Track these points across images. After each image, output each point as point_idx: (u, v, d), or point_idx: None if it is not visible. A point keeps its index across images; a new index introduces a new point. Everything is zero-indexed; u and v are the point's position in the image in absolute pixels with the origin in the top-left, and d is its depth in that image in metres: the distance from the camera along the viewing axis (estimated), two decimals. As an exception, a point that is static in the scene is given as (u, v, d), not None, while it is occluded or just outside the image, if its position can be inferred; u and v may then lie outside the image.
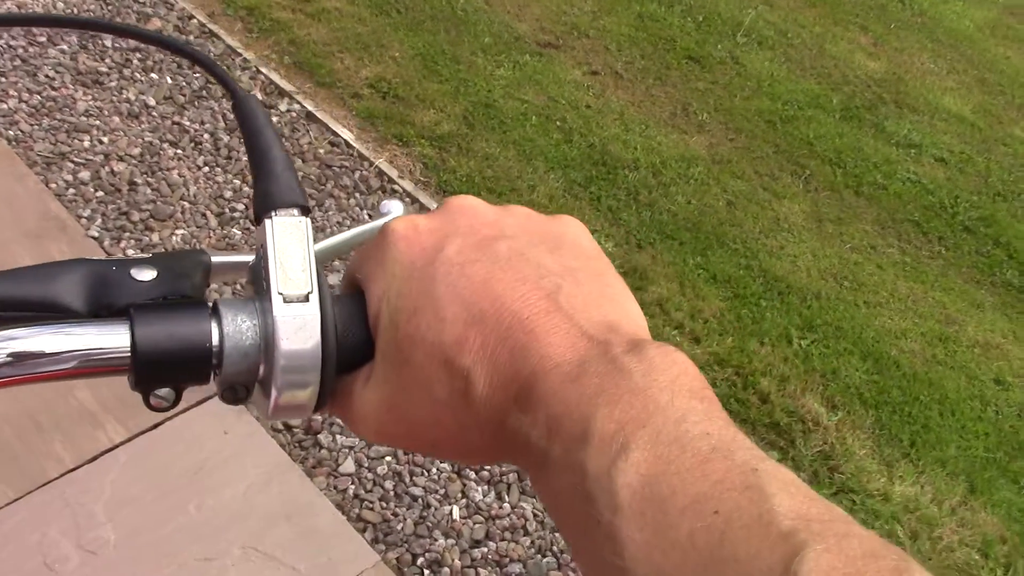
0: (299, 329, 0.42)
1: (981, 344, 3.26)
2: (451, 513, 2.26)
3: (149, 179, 2.92)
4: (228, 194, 2.94)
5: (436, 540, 2.20)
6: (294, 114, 3.38)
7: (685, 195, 3.54)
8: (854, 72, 4.77)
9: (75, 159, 2.90)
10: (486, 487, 2.33)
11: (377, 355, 0.43)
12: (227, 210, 2.89)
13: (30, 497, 2.03)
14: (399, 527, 2.20)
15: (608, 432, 0.35)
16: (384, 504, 2.24)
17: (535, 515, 2.30)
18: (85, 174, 2.86)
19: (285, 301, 0.42)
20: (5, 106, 3.01)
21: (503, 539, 2.24)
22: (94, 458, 2.12)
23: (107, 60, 3.33)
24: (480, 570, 2.17)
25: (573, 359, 0.38)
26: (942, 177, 4.14)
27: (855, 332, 3.12)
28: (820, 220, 3.65)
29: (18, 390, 0.42)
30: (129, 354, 0.41)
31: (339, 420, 0.48)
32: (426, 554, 2.17)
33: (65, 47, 3.31)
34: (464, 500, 2.30)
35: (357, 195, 3.12)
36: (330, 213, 3.02)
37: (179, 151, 3.06)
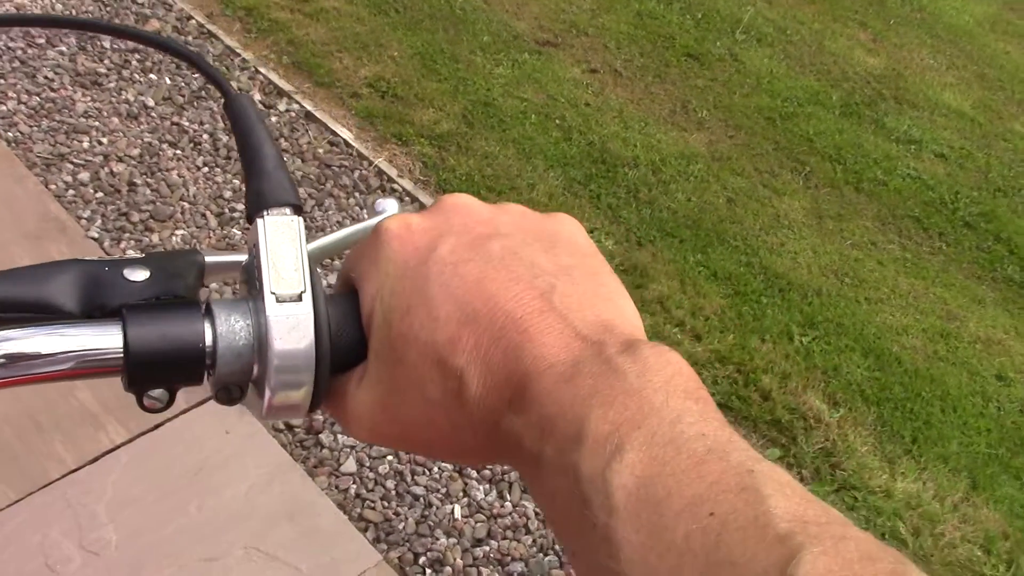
0: (292, 329, 0.42)
1: (982, 340, 3.26)
2: (453, 512, 2.26)
3: (149, 180, 2.92)
4: (228, 194, 2.94)
5: (438, 539, 2.20)
6: (293, 114, 3.38)
7: (685, 192, 3.54)
8: (853, 68, 4.76)
9: (74, 160, 2.90)
10: (488, 486, 2.33)
11: (370, 354, 0.43)
12: (227, 210, 2.89)
13: (31, 498, 2.03)
14: (401, 526, 2.20)
15: (602, 433, 0.35)
16: (386, 503, 2.24)
17: (537, 514, 2.30)
18: (85, 175, 2.86)
19: (278, 301, 0.42)
20: (4, 108, 3.01)
21: (505, 538, 2.24)
22: (95, 459, 2.12)
23: (106, 61, 3.33)
24: (482, 569, 2.17)
25: (567, 359, 0.38)
26: (942, 173, 4.13)
27: (856, 329, 3.12)
28: (820, 217, 3.65)
29: (18, 391, 0.42)
30: (122, 355, 0.41)
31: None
32: (428, 553, 2.17)
33: (64, 48, 3.31)
34: (466, 499, 2.29)
35: (357, 194, 3.11)
36: (330, 212, 3.02)
37: (178, 152, 3.06)
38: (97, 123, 3.07)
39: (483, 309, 0.40)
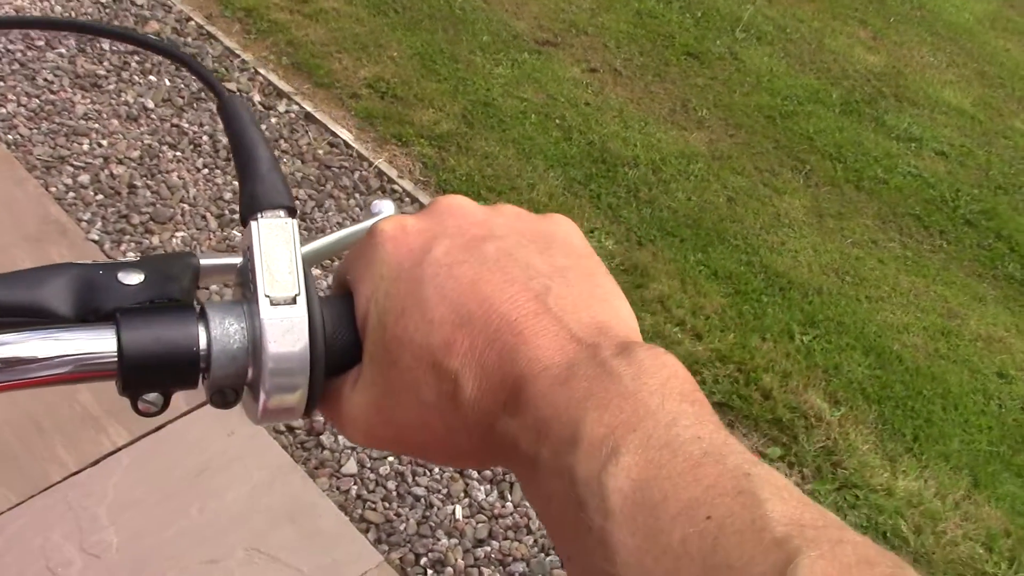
0: (286, 332, 0.42)
1: (984, 338, 3.26)
2: (454, 513, 2.26)
3: (149, 182, 2.92)
4: (228, 196, 2.94)
5: (439, 540, 2.20)
6: (293, 115, 3.38)
7: (685, 192, 3.54)
8: (853, 66, 4.76)
9: (74, 162, 2.90)
10: (488, 486, 2.33)
11: (365, 357, 0.43)
12: (227, 212, 2.89)
13: (33, 501, 2.03)
14: (402, 527, 2.20)
15: (598, 436, 0.34)
16: (387, 504, 2.24)
17: (538, 514, 2.29)
18: (85, 177, 2.86)
19: (272, 304, 0.42)
20: (4, 110, 3.01)
21: (506, 538, 2.24)
22: (96, 461, 2.12)
23: (105, 63, 3.33)
24: (483, 569, 2.17)
25: (562, 362, 0.38)
26: (943, 171, 4.13)
27: (857, 327, 3.12)
28: (821, 215, 3.65)
29: (18, 394, 0.42)
30: (116, 359, 0.41)
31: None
32: (429, 554, 2.17)
33: (63, 50, 3.31)
34: (467, 499, 2.29)
35: (357, 195, 3.11)
36: (330, 214, 3.02)
37: (178, 153, 3.06)
38: (97, 125, 3.07)
39: (478, 311, 0.40)
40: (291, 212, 0.46)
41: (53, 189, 2.79)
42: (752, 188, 3.67)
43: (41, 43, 3.32)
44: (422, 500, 2.26)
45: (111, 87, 3.24)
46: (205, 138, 3.15)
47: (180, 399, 2.09)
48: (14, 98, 3.06)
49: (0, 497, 2.02)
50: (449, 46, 3.97)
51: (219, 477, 2.16)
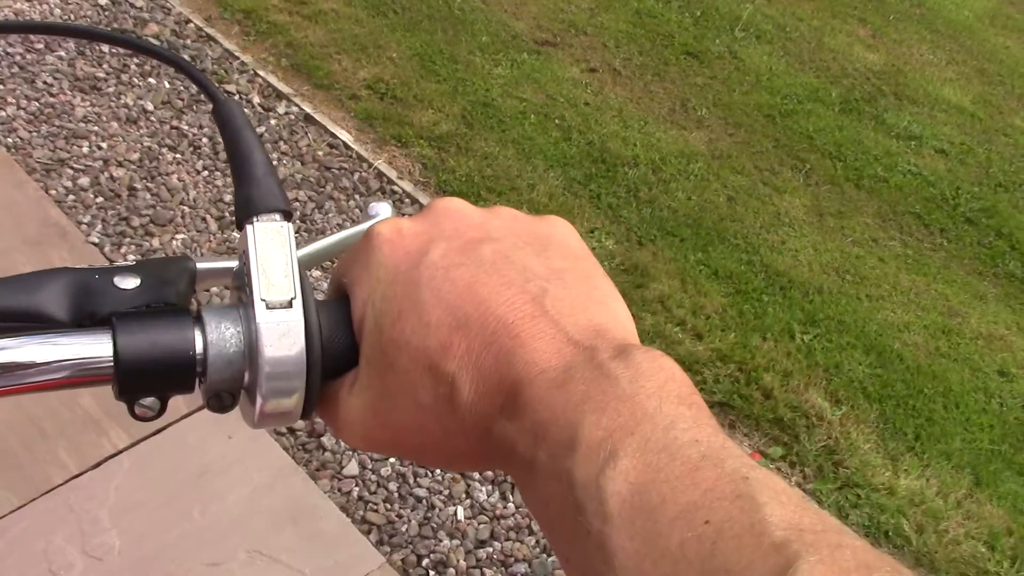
0: (283, 336, 0.42)
1: (984, 336, 3.26)
2: (456, 514, 2.26)
3: (149, 184, 2.92)
4: (228, 198, 2.94)
5: (441, 541, 2.20)
6: (292, 116, 3.38)
7: (685, 191, 3.54)
8: (853, 65, 4.76)
9: (74, 165, 2.91)
10: (490, 487, 2.33)
11: (362, 360, 0.43)
12: (227, 214, 2.89)
13: (35, 504, 2.03)
14: (404, 528, 2.20)
15: (596, 440, 0.34)
16: (388, 506, 2.24)
17: (539, 514, 2.29)
18: (84, 180, 2.86)
19: (268, 307, 0.42)
20: (3, 113, 3.01)
21: (508, 539, 2.24)
22: (98, 464, 2.13)
23: (104, 66, 3.33)
24: (485, 570, 2.17)
25: (559, 365, 0.38)
26: (943, 169, 4.13)
27: (858, 326, 3.12)
28: (821, 214, 3.64)
29: (19, 397, 0.42)
30: (112, 363, 0.41)
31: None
32: (431, 555, 2.17)
33: (63, 53, 3.31)
34: (468, 500, 2.29)
35: (357, 197, 3.11)
36: (330, 215, 3.02)
37: (178, 155, 3.06)
38: (96, 128, 3.07)
39: (474, 314, 0.40)
40: (287, 216, 0.46)
41: (53, 192, 2.79)
42: (752, 187, 3.67)
43: (40, 46, 3.32)
44: (424, 501, 2.26)
45: (111, 90, 3.24)
46: (205, 140, 3.15)
47: (180, 401, 2.09)
48: (14, 101, 3.07)
49: (2, 500, 2.02)
50: (448, 47, 3.97)
51: (220, 479, 2.16)
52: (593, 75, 4.11)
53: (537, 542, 2.24)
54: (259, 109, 3.38)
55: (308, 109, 3.42)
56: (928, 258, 3.59)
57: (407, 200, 3.15)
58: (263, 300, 0.42)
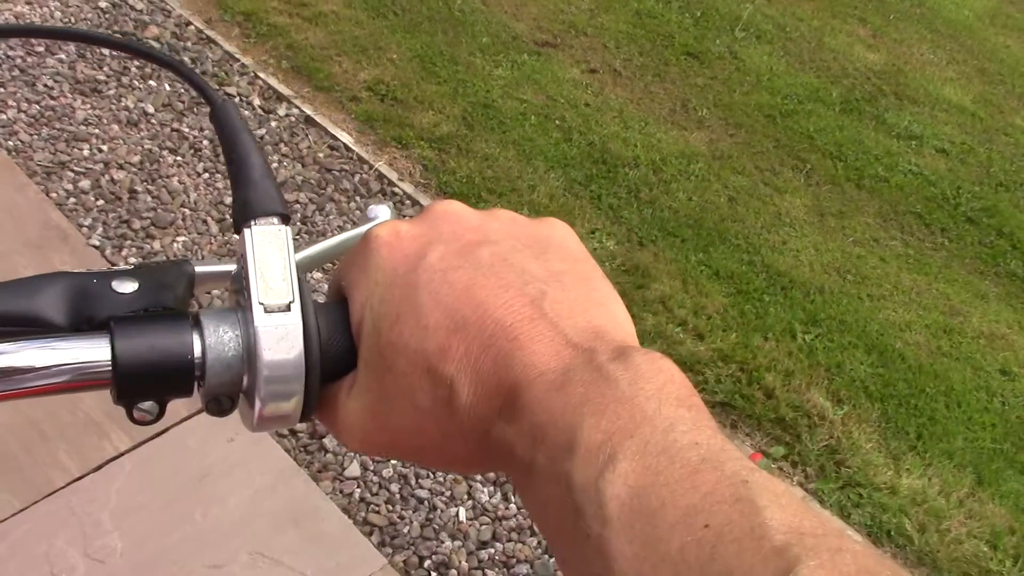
0: (281, 339, 0.42)
1: (986, 335, 3.25)
2: (457, 515, 2.26)
3: (149, 187, 2.93)
4: (229, 200, 2.94)
5: (443, 542, 2.20)
6: (293, 118, 3.38)
7: (686, 192, 3.54)
8: (853, 64, 4.75)
9: (75, 168, 2.91)
10: (492, 488, 2.33)
11: (360, 363, 0.43)
12: (228, 216, 2.89)
13: (36, 507, 2.03)
14: (405, 530, 2.20)
15: (595, 442, 0.34)
16: (390, 507, 2.24)
17: (541, 515, 2.29)
18: (85, 183, 2.86)
19: (266, 311, 0.42)
20: (4, 116, 3.01)
21: (510, 540, 2.24)
22: (99, 467, 2.13)
23: (105, 68, 3.33)
24: (487, 571, 2.17)
25: (557, 367, 0.38)
26: (944, 168, 4.13)
27: (859, 325, 3.11)
28: (822, 214, 3.64)
29: (20, 400, 0.42)
30: (110, 368, 0.41)
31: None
32: (433, 556, 2.17)
33: (63, 56, 3.31)
34: (470, 502, 2.29)
35: (358, 198, 3.12)
36: (331, 217, 3.02)
37: (179, 158, 3.07)
38: (97, 130, 3.07)
39: (473, 317, 0.40)
40: (284, 219, 0.46)
41: (54, 195, 2.79)
42: (753, 187, 3.67)
43: (41, 49, 3.32)
44: (426, 503, 2.26)
45: (111, 92, 3.24)
46: (205, 143, 3.15)
47: (181, 404, 2.09)
48: (14, 104, 3.07)
49: (4, 503, 2.02)
50: (449, 48, 3.97)
51: (222, 481, 2.16)
52: (593, 76, 4.11)
53: (539, 543, 2.24)
54: (260, 111, 3.39)
55: (309, 111, 3.42)
56: (929, 257, 3.58)
57: (408, 202, 3.15)
58: (261, 304, 0.42)
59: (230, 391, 0.44)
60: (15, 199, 2.74)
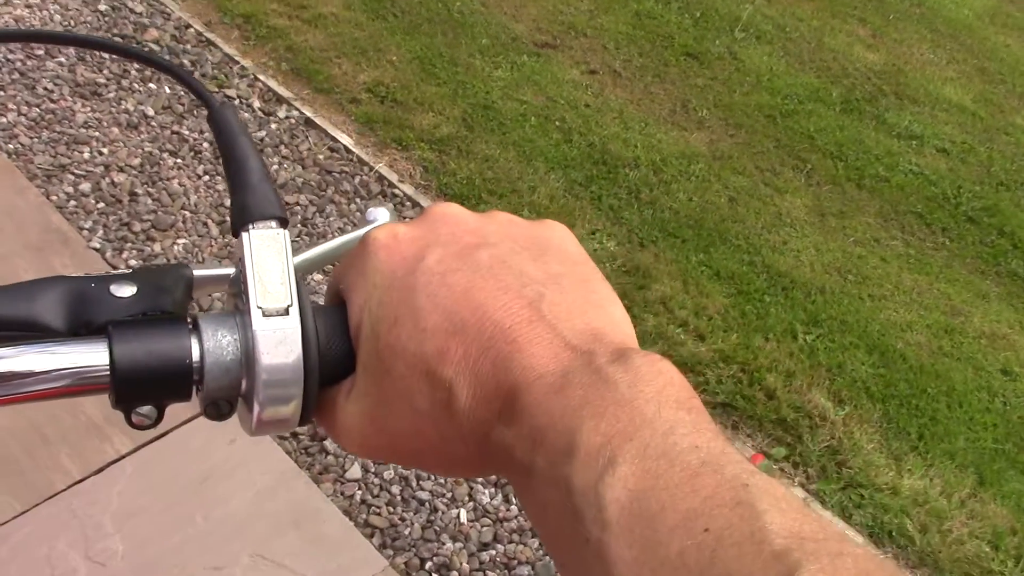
0: (279, 343, 0.42)
1: (987, 335, 3.25)
2: (459, 517, 2.26)
3: (150, 189, 2.93)
4: (229, 202, 2.94)
5: (444, 544, 2.20)
6: (293, 120, 3.38)
7: (686, 192, 3.53)
8: (853, 64, 4.75)
9: (75, 171, 2.91)
10: (493, 490, 2.33)
11: (359, 366, 0.43)
12: (228, 218, 2.89)
13: (37, 510, 2.03)
14: (407, 532, 2.20)
15: (594, 446, 0.34)
16: (391, 509, 2.24)
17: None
18: (86, 186, 2.86)
19: (264, 315, 0.42)
20: (4, 120, 3.01)
21: (511, 541, 2.24)
22: (100, 469, 2.13)
23: (105, 71, 3.33)
24: (488, 573, 2.17)
25: (556, 370, 0.38)
26: (944, 168, 4.12)
27: (860, 326, 3.11)
28: (823, 214, 3.64)
29: (19, 404, 0.42)
30: (108, 372, 0.41)
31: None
32: (434, 558, 2.16)
33: (63, 59, 3.32)
34: (471, 503, 2.29)
35: (358, 200, 3.12)
36: (331, 219, 3.02)
37: (179, 160, 3.07)
38: (97, 133, 3.08)
39: (471, 319, 0.40)
40: (283, 223, 0.46)
41: (54, 198, 2.79)
42: (753, 188, 3.66)
43: (41, 52, 3.32)
44: (427, 504, 2.26)
45: (111, 95, 3.25)
46: (205, 145, 3.15)
47: (182, 406, 2.09)
48: (14, 107, 3.07)
49: (5, 506, 2.02)
50: (448, 50, 3.97)
51: (223, 484, 2.16)
52: (593, 77, 4.11)
53: (540, 545, 2.24)
54: (259, 113, 3.39)
55: (308, 113, 3.42)
56: (930, 257, 3.58)
57: (408, 203, 3.15)
58: (259, 307, 0.42)
59: (229, 395, 0.44)
60: (15, 202, 2.74)
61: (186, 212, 2.88)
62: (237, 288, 0.45)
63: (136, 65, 3.38)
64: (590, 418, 0.35)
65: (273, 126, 3.33)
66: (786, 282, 3.22)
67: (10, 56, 3.25)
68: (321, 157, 3.25)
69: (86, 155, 2.98)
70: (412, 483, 2.30)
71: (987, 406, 2.95)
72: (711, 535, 0.30)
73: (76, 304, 0.44)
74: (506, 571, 2.18)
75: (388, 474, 2.30)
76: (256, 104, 3.41)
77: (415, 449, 0.42)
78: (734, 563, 0.29)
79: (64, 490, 2.07)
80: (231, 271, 0.48)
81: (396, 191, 3.19)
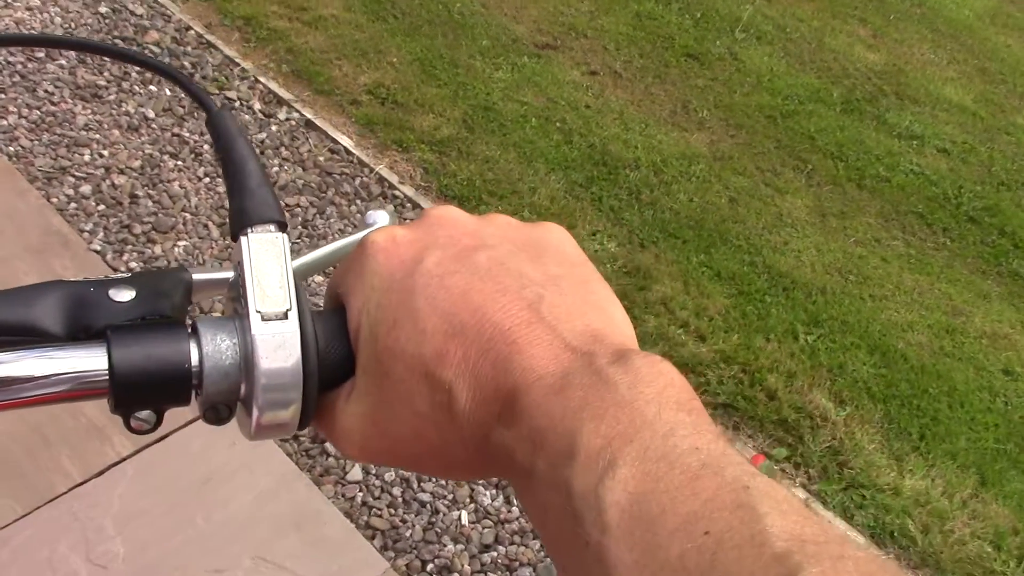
0: (278, 347, 0.42)
1: (988, 335, 3.25)
2: (460, 518, 2.26)
3: (150, 191, 2.93)
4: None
5: (445, 546, 2.19)
6: (293, 122, 3.38)
7: (687, 193, 3.53)
8: (854, 65, 4.75)
9: (76, 173, 2.91)
10: (494, 491, 2.33)
11: (358, 370, 0.43)
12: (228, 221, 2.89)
13: (38, 512, 2.03)
14: (408, 533, 2.20)
15: (594, 448, 0.34)
16: (392, 511, 2.24)
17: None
18: (86, 188, 2.86)
19: (263, 319, 0.42)
20: (5, 122, 3.01)
21: (512, 543, 2.24)
22: (101, 472, 2.12)
23: (105, 74, 3.33)
24: (490, 575, 2.17)
25: (556, 371, 0.37)
26: (945, 168, 4.12)
27: (861, 326, 3.11)
28: (823, 214, 3.64)
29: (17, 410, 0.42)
30: (107, 377, 0.41)
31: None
32: (435, 560, 2.16)
33: (63, 62, 3.32)
34: (473, 505, 2.29)
35: (358, 202, 3.11)
36: (331, 220, 3.02)
37: (179, 163, 3.07)
38: (98, 136, 3.08)
39: (470, 321, 0.39)
40: (281, 227, 0.46)
41: (55, 200, 2.79)
42: (754, 188, 3.66)
43: (41, 55, 3.32)
44: (428, 506, 2.26)
45: (112, 98, 3.25)
46: (206, 147, 3.15)
47: (182, 408, 2.09)
48: (15, 110, 3.07)
49: (6, 508, 2.02)
50: (449, 51, 3.97)
51: (224, 486, 2.16)
52: (594, 78, 4.11)
53: (541, 546, 2.24)
54: (260, 115, 3.39)
55: (309, 115, 3.42)
56: (931, 257, 3.58)
57: (408, 205, 3.15)
58: (258, 312, 0.42)
59: (228, 399, 0.43)
60: (16, 204, 2.74)
61: (187, 214, 2.88)
62: (236, 292, 0.45)
63: (137, 68, 3.38)
64: (590, 420, 0.35)
65: (273, 128, 3.34)
66: (787, 282, 3.22)
67: (11, 59, 3.26)
68: (321, 159, 3.25)
69: (87, 157, 2.98)
70: (413, 485, 2.29)
71: (989, 406, 2.95)
72: (711, 538, 0.30)
73: (75, 309, 0.44)
74: (508, 573, 2.18)
75: (389, 476, 2.30)
76: (257, 106, 3.41)
77: (415, 452, 0.42)
78: (735, 566, 0.29)
79: (65, 493, 2.07)
80: (230, 275, 0.48)
81: (396, 193, 3.19)
